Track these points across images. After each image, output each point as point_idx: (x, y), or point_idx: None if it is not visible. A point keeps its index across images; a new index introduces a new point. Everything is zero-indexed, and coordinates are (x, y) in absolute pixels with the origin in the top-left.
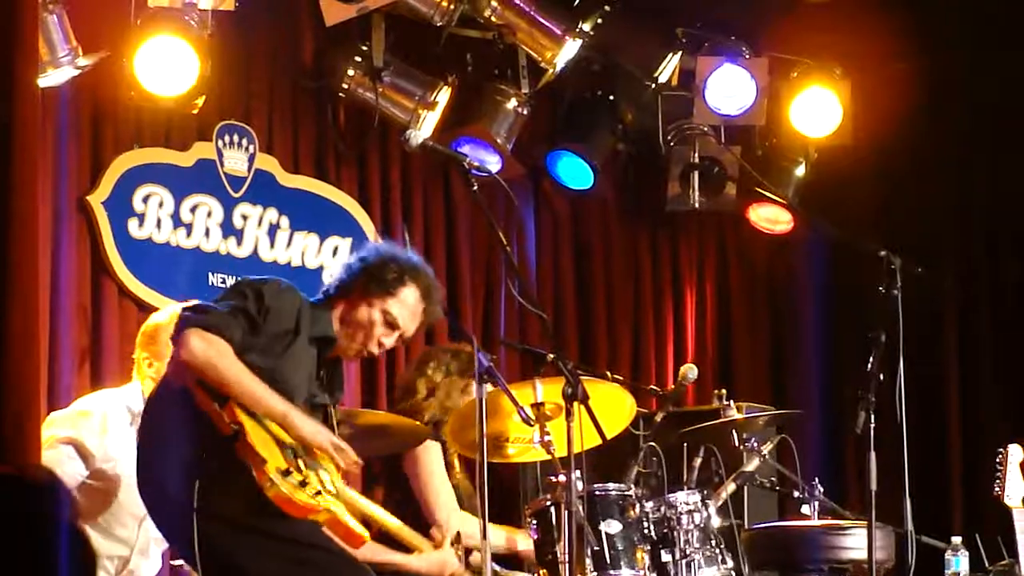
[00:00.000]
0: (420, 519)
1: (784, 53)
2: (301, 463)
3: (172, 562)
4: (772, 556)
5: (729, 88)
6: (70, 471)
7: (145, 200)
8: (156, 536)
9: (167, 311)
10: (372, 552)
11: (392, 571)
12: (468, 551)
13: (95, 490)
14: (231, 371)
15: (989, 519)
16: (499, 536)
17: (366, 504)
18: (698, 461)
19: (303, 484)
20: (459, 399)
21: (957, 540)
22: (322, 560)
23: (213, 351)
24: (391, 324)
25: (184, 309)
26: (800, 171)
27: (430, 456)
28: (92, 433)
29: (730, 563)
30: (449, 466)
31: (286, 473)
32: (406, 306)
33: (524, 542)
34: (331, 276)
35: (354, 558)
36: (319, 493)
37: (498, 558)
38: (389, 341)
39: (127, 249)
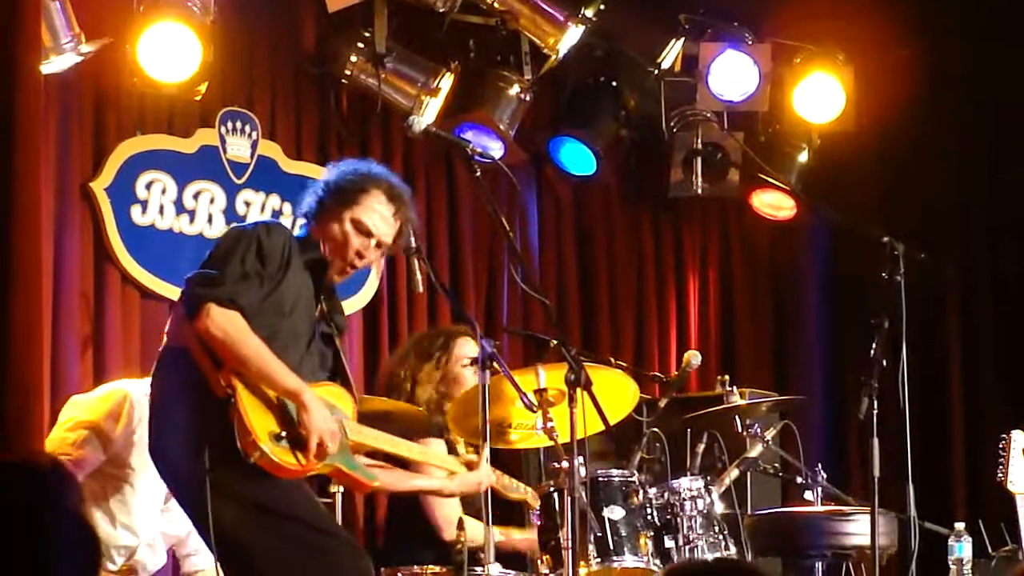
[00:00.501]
0: (421, 516)
1: (787, 39)
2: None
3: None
4: (775, 542)
5: (732, 74)
6: (89, 455)
7: (148, 187)
8: (165, 530)
9: None
10: (399, 480)
11: (426, 495)
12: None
13: (110, 476)
14: (247, 350)
15: (992, 505)
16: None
17: (381, 437)
18: (701, 447)
19: (297, 443)
20: (443, 382)
21: (960, 526)
22: (330, 546)
23: (232, 328)
24: (364, 232)
25: (196, 278)
26: (803, 157)
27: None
28: (113, 419)
29: (733, 549)
30: (453, 452)
31: (278, 438)
32: (373, 211)
33: (520, 534)
34: (304, 199)
35: (359, 546)
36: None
37: (499, 556)
38: (369, 251)
39: (130, 236)
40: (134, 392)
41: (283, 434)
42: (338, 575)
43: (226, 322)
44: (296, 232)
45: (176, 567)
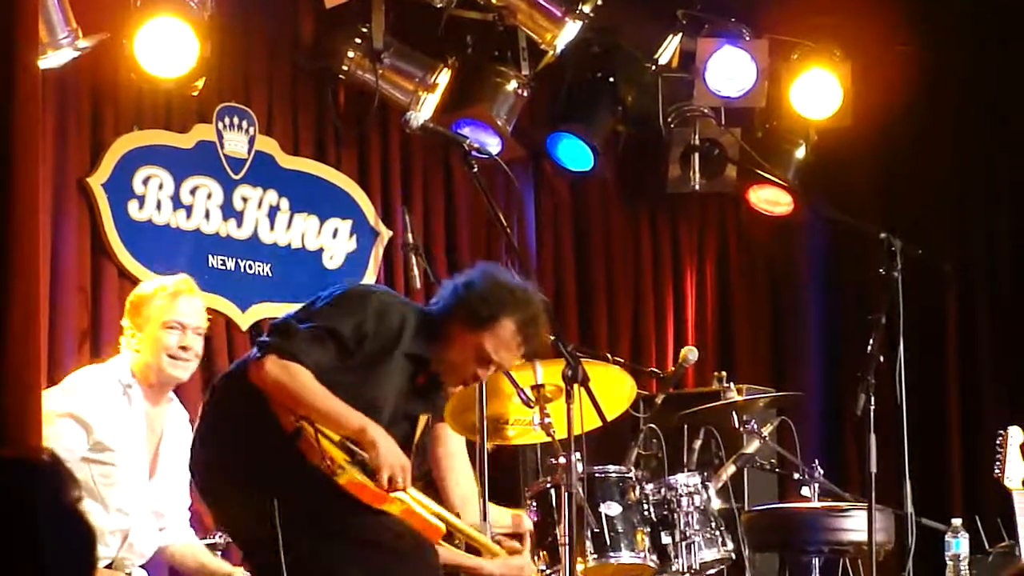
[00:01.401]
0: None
1: (784, 35)
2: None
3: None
4: (772, 538)
5: (729, 70)
6: (72, 444)
7: (145, 182)
8: (156, 508)
9: (154, 283)
10: (442, 553)
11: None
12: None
13: (95, 462)
14: (302, 391)
15: (989, 501)
16: (503, 515)
17: (436, 507)
18: (698, 443)
19: (372, 475)
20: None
21: (957, 522)
22: (406, 570)
23: (285, 375)
24: (484, 360)
25: (270, 330)
26: (800, 153)
27: (451, 441)
28: (87, 405)
29: (730, 545)
30: None
31: (354, 462)
32: (501, 341)
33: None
34: (445, 289)
35: (436, 566)
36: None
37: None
38: (487, 375)
39: (127, 231)
40: (101, 377)
41: (358, 459)
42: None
43: (280, 371)
44: (428, 308)
45: None
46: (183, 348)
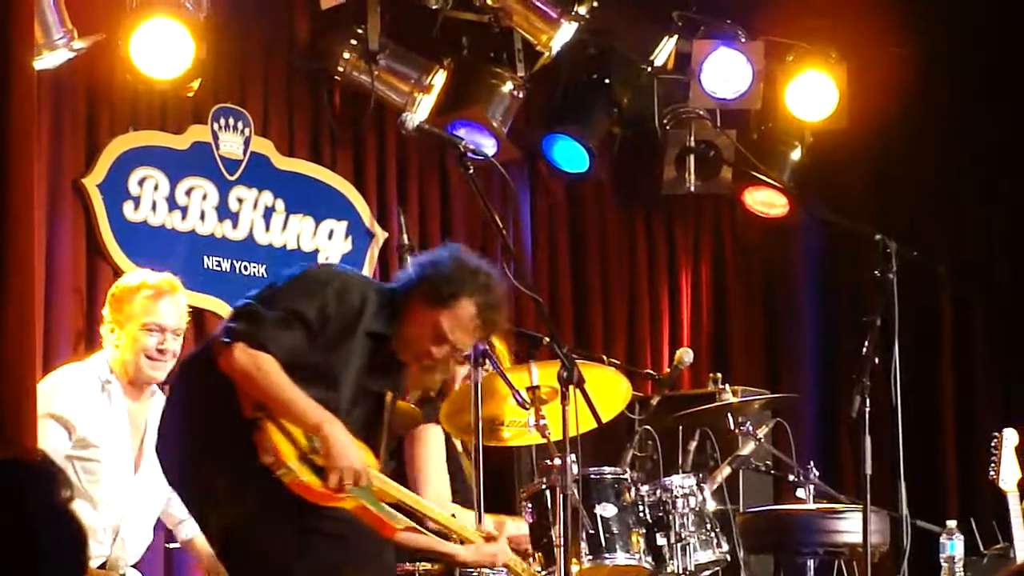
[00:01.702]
0: None
1: (780, 37)
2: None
3: (167, 545)
4: (767, 540)
5: (725, 72)
6: (55, 445)
7: (140, 183)
8: (145, 501)
9: (138, 277)
10: (412, 538)
11: (438, 559)
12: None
13: (80, 459)
14: (267, 384)
15: (984, 503)
16: (487, 524)
17: (406, 494)
18: (693, 445)
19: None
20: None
21: (952, 524)
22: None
23: (252, 366)
24: (440, 338)
25: (235, 314)
26: (796, 155)
27: (430, 442)
28: (68, 404)
29: (725, 547)
30: (454, 450)
31: (304, 459)
32: (459, 322)
33: (515, 526)
34: (410, 267)
35: (384, 558)
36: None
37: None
38: (441, 354)
39: (122, 232)
40: (80, 375)
41: (310, 456)
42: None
43: (248, 360)
44: (390, 286)
45: (166, 555)
46: (161, 351)
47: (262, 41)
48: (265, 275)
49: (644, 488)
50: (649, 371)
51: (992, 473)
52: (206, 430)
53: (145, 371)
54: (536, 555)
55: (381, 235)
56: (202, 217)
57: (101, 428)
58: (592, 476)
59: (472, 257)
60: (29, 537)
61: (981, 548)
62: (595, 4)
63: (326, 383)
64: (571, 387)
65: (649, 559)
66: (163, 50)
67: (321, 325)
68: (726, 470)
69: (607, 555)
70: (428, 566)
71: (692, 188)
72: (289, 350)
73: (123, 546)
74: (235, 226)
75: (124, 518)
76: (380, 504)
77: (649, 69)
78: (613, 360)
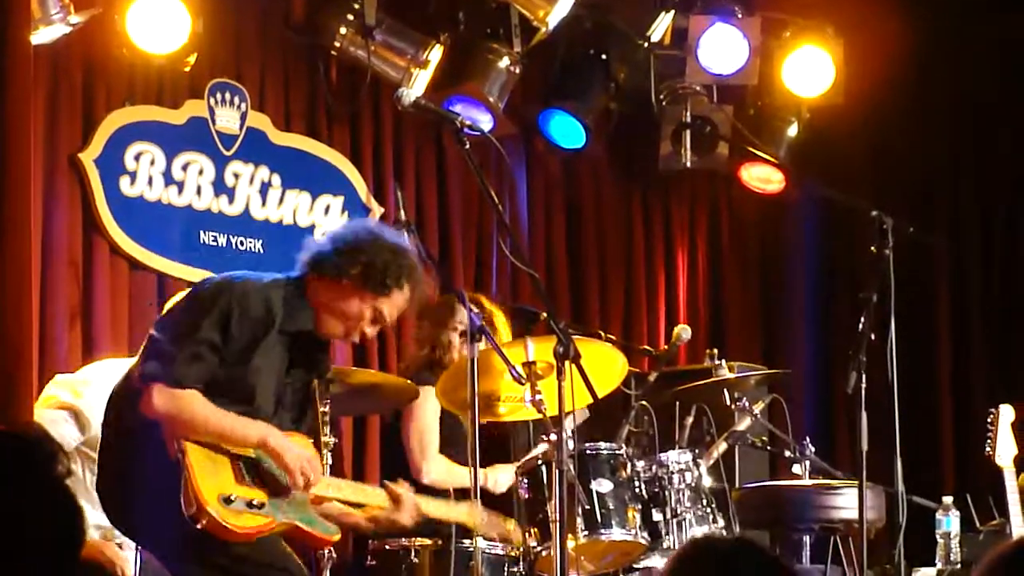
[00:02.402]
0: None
1: (777, 12)
2: (262, 474)
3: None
4: (763, 515)
5: (722, 47)
6: (65, 434)
7: (137, 158)
8: None
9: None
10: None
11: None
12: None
13: (87, 457)
14: (193, 419)
15: (980, 479)
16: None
17: (351, 487)
18: (689, 420)
19: (251, 505)
20: (438, 344)
21: (948, 500)
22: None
23: (174, 408)
24: (378, 320)
25: (145, 354)
26: (792, 131)
27: (424, 406)
28: (92, 403)
29: (721, 522)
30: (455, 421)
31: (228, 500)
32: (396, 305)
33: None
34: (314, 247)
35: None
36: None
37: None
38: (371, 332)
39: (118, 207)
40: (115, 375)
41: (232, 497)
42: None
43: (167, 401)
44: (293, 276)
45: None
46: None
47: (259, 16)
48: (262, 250)
49: (640, 464)
50: (646, 347)
51: (988, 449)
52: (134, 469)
53: None
54: (532, 531)
55: (377, 210)
56: (198, 192)
57: None
58: (588, 452)
59: (386, 231)
60: (23, 510)
61: (977, 524)
62: None
63: (244, 398)
64: (567, 362)
65: (645, 535)
66: (159, 25)
67: (227, 344)
68: (722, 446)
69: (603, 531)
70: (425, 541)
71: (688, 164)
72: (204, 381)
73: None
74: (231, 201)
75: None
76: (313, 519)
77: (646, 44)
78: (610, 336)
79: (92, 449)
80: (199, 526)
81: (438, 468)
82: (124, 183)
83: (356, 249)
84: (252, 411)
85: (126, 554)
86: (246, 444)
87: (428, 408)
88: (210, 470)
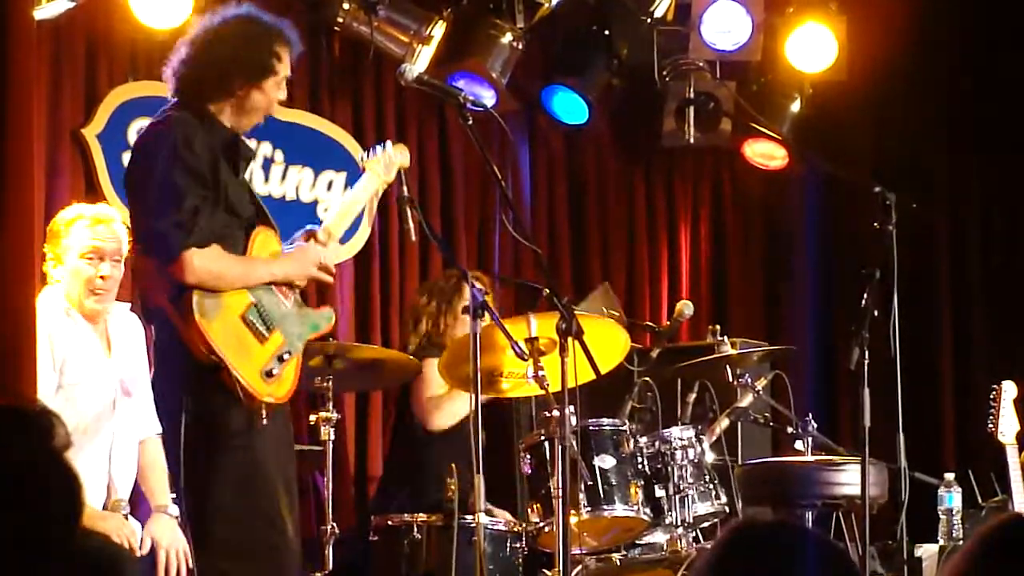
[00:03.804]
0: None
1: None
2: (268, 317)
3: None
4: (765, 492)
5: (725, 23)
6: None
7: (140, 133)
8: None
9: (74, 208)
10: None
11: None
12: None
13: (61, 388)
14: (233, 277)
15: (982, 456)
16: None
17: (343, 207)
18: (692, 397)
19: (281, 359)
20: (447, 320)
21: (950, 476)
22: (280, 543)
23: (214, 268)
24: (283, 84)
25: (159, 227)
26: (795, 107)
27: (430, 373)
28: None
29: (723, 498)
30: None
31: (269, 374)
32: (288, 65)
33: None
34: (176, 77)
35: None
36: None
37: None
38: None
39: (121, 182)
40: (44, 301)
41: (272, 369)
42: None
43: (205, 262)
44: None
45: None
46: (102, 278)
47: None
48: None
49: (643, 440)
50: (649, 323)
51: (991, 426)
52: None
53: (88, 306)
54: (535, 506)
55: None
56: None
57: (75, 354)
58: (591, 427)
59: (207, 28)
60: (23, 484)
61: (979, 501)
62: None
63: (239, 221)
64: (570, 338)
65: (647, 511)
66: (162, 0)
67: (203, 185)
68: (725, 422)
69: (605, 507)
70: (424, 517)
71: (691, 140)
72: (211, 227)
73: (115, 472)
74: None
75: (113, 444)
76: (315, 322)
77: (649, 20)
78: (612, 312)
79: (59, 375)
80: (265, 422)
81: (444, 410)
82: (127, 158)
83: (214, 54)
84: (237, 221)
85: (134, 525)
86: (272, 279)
87: (434, 374)
88: (238, 347)
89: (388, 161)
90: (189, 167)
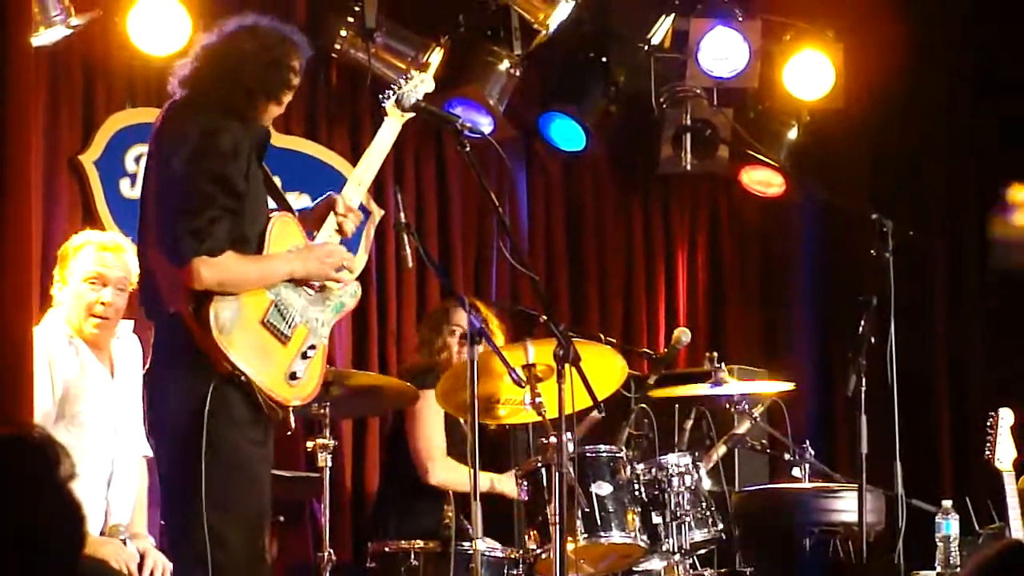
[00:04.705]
0: (413, 489)
1: (777, 16)
2: (290, 315)
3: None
4: (762, 519)
5: (722, 50)
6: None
7: (137, 160)
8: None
9: (84, 234)
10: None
11: None
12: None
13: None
14: (242, 278)
15: (979, 482)
16: (483, 480)
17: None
18: (689, 423)
19: (305, 356)
20: (439, 347)
21: (947, 503)
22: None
23: (221, 273)
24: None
25: (176, 232)
26: (792, 134)
27: (427, 409)
28: (43, 362)
29: (720, 525)
30: (457, 421)
31: (294, 376)
32: (300, 73)
33: (507, 483)
34: (184, 74)
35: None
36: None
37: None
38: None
39: (119, 209)
40: (45, 329)
41: (295, 371)
42: None
43: (211, 269)
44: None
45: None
46: (103, 304)
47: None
48: None
49: (640, 466)
50: (646, 350)
51: (988, 453)
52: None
53: (87, 330)
54: (532, 533)
55: (377, 213)
56: None
57: (77, 381)
58: (588, 454)
59: (225, 36)
60: (27, 514)
61: (977, 528)
62: None
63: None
64: (567, 365)
65: (644, 537)
66: (160, 26)
67: (227, 193)
68: (722, 449)
69: (602, 533)
70: (421, 543)
71: (688, 167)
72: (229, 235)
73: (113, 497)
74: None
75: (113, 471)
76: (338, 303)
77: (646, 47)
78: (609, 339)
79: (63, 404)
80: (292, 428)
81: (445, 469)
82: (124, 185)
83: (238, 69)
84: (259, 224)
85: (131, 550)
86: (285, 276)
87: (431, 411)
88: (260, 356)
89: (412, 90)
90: (217, 174)
